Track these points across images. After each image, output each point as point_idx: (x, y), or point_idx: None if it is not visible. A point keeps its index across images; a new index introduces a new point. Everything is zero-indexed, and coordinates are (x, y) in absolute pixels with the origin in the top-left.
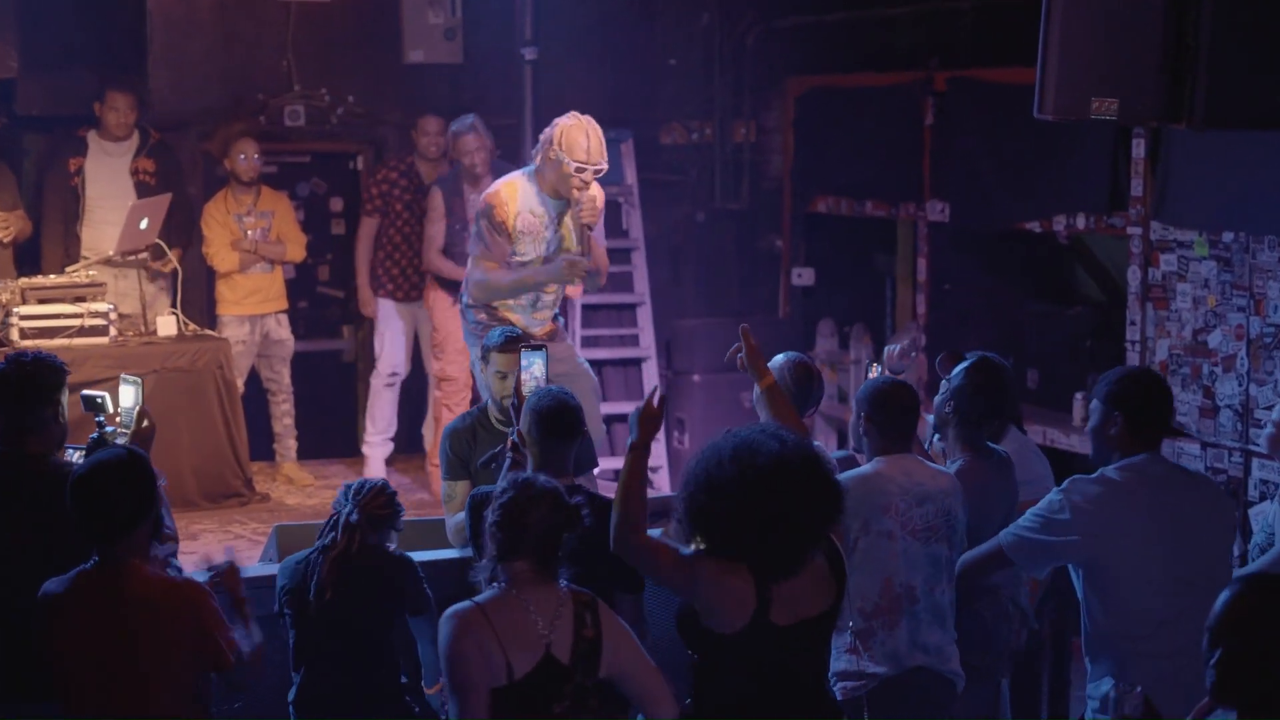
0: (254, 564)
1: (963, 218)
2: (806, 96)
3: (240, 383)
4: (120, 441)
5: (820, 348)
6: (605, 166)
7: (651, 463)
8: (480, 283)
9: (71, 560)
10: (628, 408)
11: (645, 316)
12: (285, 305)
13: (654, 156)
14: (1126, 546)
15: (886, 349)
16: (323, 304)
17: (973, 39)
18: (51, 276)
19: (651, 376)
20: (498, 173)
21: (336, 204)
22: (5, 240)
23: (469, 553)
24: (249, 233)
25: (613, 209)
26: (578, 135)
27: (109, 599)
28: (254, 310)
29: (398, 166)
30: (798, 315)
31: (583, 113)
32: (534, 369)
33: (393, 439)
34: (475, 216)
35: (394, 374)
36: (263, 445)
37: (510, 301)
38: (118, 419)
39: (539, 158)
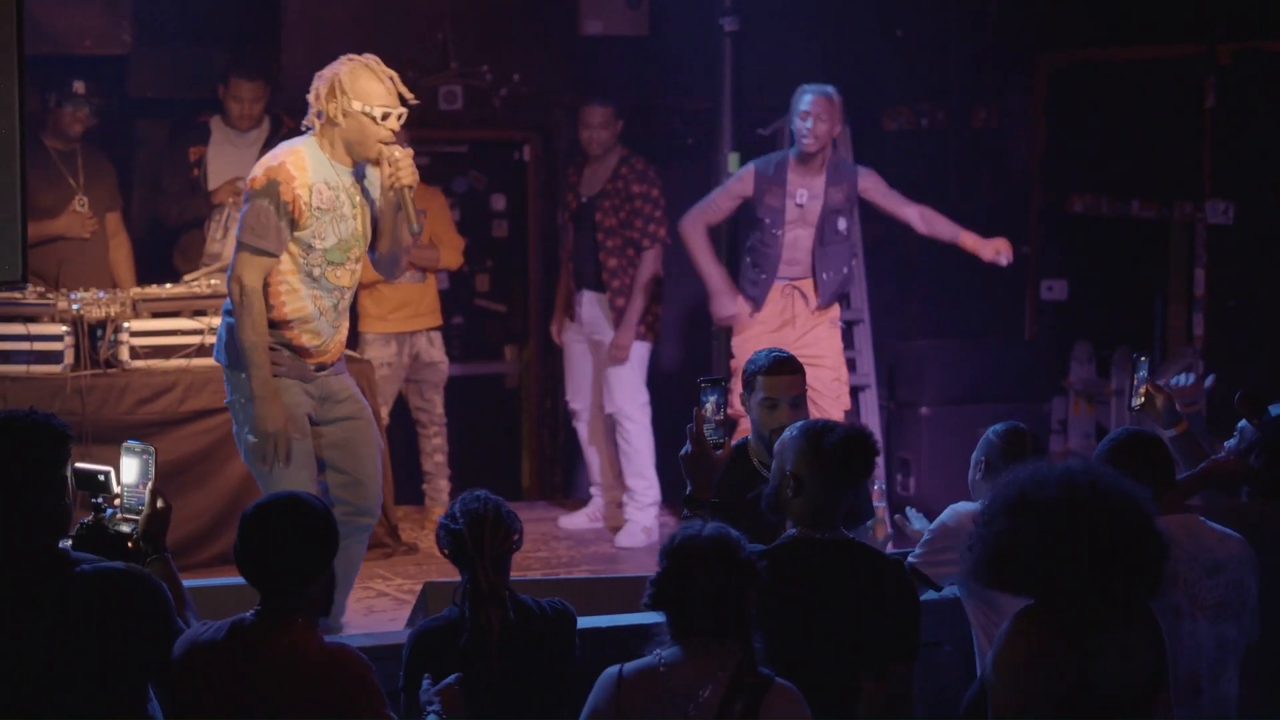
0: (398, 628)
1: (1251, 220)
2: (1061, 74)
3: (385, 412)
4: (124, 529)
5: (1075, 375)
6: (405, 111)
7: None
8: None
9: (76, 686)
10: None
11: (864, 337)
12: (439, 321)
13: (876, 146)
14: None
15: (1174, 382)
16: (482, 320)
17: (1266, 3)
18: (168, 286)
19: (871, 408)
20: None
21: (499, 201)
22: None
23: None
24: None
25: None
26: (368, 78)
27: (263, 660)
28: (402, 327)
29: (574, 158)
30: (1047, 336)
31: None
32: (708, 410)
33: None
34: (245, 197)
35: (574, 409)
36: (411, 486)
37: (311, 308)
38: (118, 500)
39: (317, 122)
